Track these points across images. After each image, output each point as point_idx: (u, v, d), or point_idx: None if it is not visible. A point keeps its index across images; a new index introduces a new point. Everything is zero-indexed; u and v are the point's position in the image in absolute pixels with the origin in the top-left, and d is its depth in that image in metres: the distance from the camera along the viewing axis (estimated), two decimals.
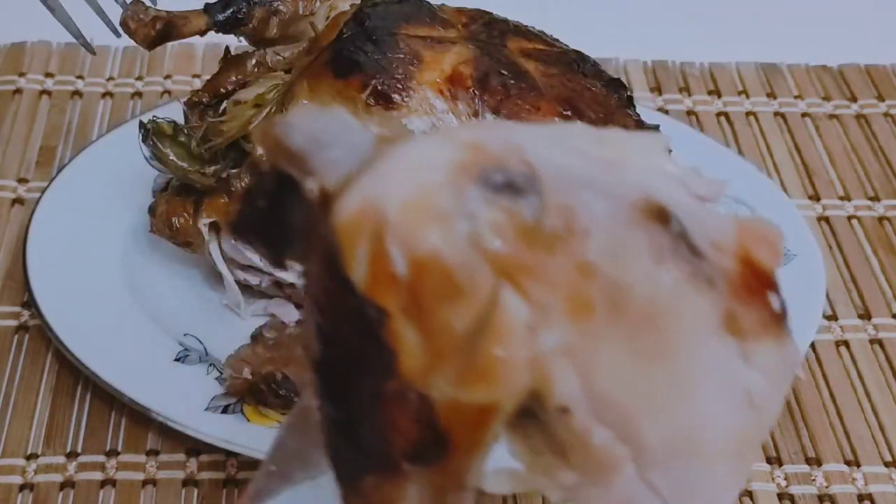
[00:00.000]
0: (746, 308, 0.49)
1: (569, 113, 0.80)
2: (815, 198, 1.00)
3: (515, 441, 0.49)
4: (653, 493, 0.48)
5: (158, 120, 0.85)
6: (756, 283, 0.50)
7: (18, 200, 0.95)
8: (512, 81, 0.80)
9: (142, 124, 0.85)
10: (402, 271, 0.45)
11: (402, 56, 0.80)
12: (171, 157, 0.84)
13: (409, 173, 0.47)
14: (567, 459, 0.48)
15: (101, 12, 0.88)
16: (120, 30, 0.86)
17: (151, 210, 0.86)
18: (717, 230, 0.49)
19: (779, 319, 0.50)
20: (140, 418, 0.79)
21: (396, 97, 0.79)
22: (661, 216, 0.47)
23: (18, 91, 1.06)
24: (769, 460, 0.81)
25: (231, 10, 0.85)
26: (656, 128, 0.84)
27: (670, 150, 0.52)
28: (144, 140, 0.84)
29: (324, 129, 0.49)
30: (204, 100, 0.86)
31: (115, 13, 0.87)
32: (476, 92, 0.80)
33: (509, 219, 0.46)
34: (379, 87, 0.78)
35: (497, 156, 0.47)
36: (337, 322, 0.47)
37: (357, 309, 0.45)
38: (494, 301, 0.45)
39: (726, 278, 0.48)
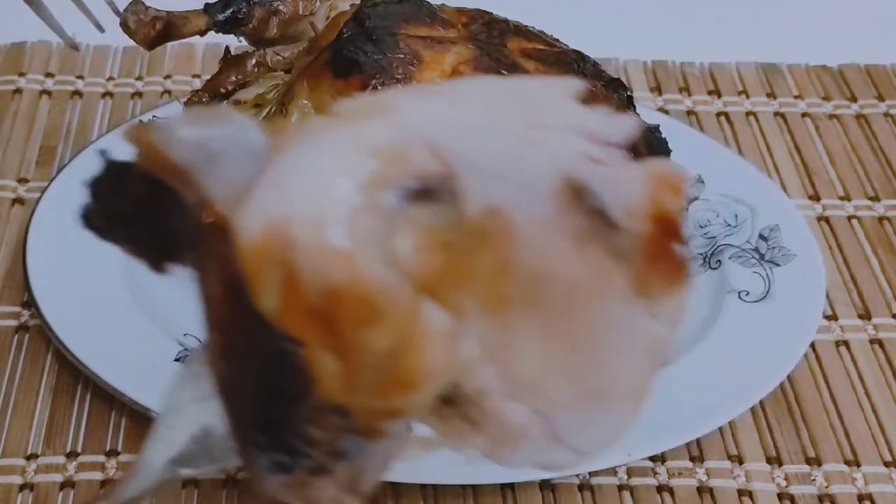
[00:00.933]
0: (656, 270, 0.49)
1: None
2: (815, 198, 1.00)
3: (427, 413, 0.49)
4: (562, 446, 0.49)
5: (156, 119, 0.85)
6: (665, 238, 0.49)
7: (18, 200, 0.95)
8: None
9: (142, 124, 0.85)
10: (317, 300, 0.43)
11: (402, 56, 0.80)
12: None
13: (314, 186, 0.44)
14: (479, 428, 0.48)
15: (87, 12, 0.87)
16: (102, 27, 0.85)
17: None
18: (630, 191, 0.48)
19: (682, 269, 0.50)
20: (140, 418, 0.79)
21: None
22: (578, 195, 0.47)
23: (18, 91, 1.06)
24: (769, 460, 0.81)
25: (231, 10, 0.85)
26: (656, 128, 0.84)
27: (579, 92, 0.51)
28: None
29: (212, 135, 0.45)
30: (204, 100, 0.86)
31: (110, 13, 0.87)
32: None
33: (427, 232, 0.44)
34: (379, 87, 0.78)
35: (412, 161, 0.45)
36: (245, 348, 0.44)
37: (269, 339, 0.43)
38: (414, 317, 0.44)
39: (639, 245, 0.48)
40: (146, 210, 0.47)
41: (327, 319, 0.43)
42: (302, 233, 0.43)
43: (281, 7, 0.85)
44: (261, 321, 0.43)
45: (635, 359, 0.50)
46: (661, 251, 0.49)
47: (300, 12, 0.85)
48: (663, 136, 0.84)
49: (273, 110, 0.82)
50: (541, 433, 0.49)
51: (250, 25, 0.85)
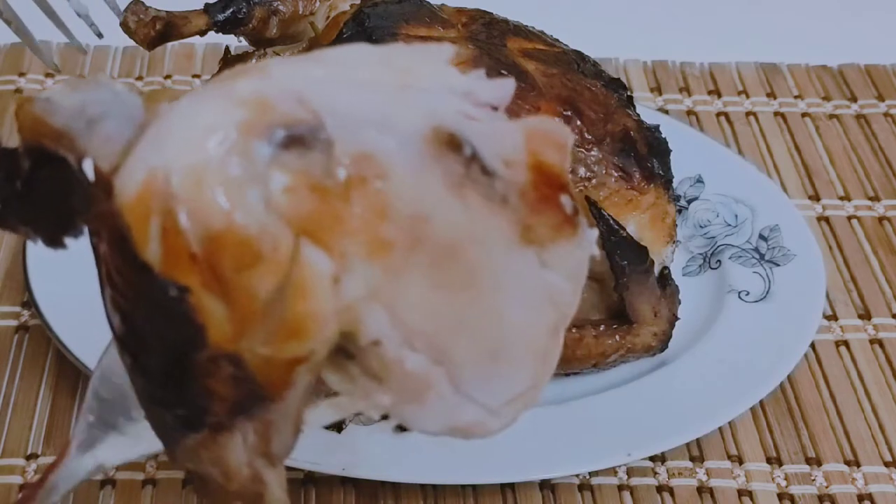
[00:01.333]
0: (540, 217, 0.50)
1: (569, 113, 0.81)
2: (815, 198, 1.00)
3: (330, 372, 0.49)
4: (469, 401, 0.50)
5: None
6: (548, 189, 0.50)
7: None
8: None
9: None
10: (198, 246, 0.44)
11: None
12: None
13: (189, 138, 0.45)
14: (383, 383, 0.49)
15: (86, 18, 0.87)
16: (101, 33, 0.85)
17: None
18: (507, 144, 0.49)
19: (571, 219, 0.50)
20: None
21: None
22: (451, 144, 0.47)
23: (18, 91, 1.06)
24: (769, 460, 0.81)
25: (231, 10, 0.85)
26: (657, 128, 0.84)
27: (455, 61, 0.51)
28: None
29: (90, 101, 0.46)
30: None
31: (108, 14, 0.87)
32: None
33: (300, 176, 0.45)
34: None
35: (280, 110, 0.45)
36: (136, 300, 0.45)
37: (156, 288, 0.44)
38: (295, 259, 0.45)
39: (520, 192, 0.49)
40: (35, 187, 0.47)
41: (210, 264, 0.44)
42: (177, 180, 0.44)
43: (281, 7, 0.85)
44: (146, 271, 0.44)
45: (532, 311, 0.51)
46: (545, 200, 0.49)
47: (300, 12, 0.85)
48: (663, 135, 0.84)
49: None
50: (445, 385, 0.49)
51: (250, 25, 0.85)
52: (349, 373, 0.49)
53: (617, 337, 0.82)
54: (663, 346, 0.83)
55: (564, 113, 0.80)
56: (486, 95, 0.49)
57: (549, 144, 0.49)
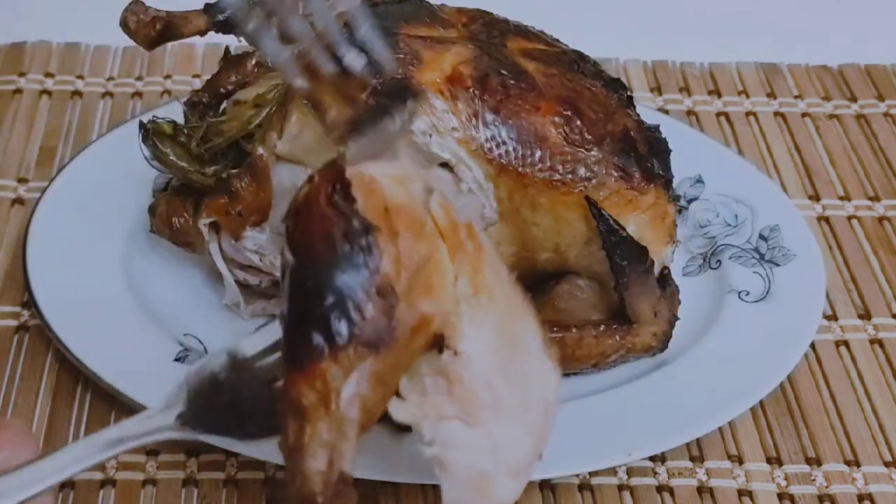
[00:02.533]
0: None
1: (569, 113, 0.81)
2: (815, 198, 1.00)
3: (413, 376, 0.63)
4: (495, 454, 0.63)
5: (158, 120, 0.85)
6: None
7: (18, 200, 0.95)
8: (512, 81, 0.81)
9: (142, 124, 0.85)
10: (388, 207, 0.63)
11: (402, 56, 0.80)
12: (171, 157, 0.84)
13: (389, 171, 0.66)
14: (450, 392, 0.63)
15: None
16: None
17: (151, 210, 0.87)
18: None
19: None
20: None
21: None
22: None
23: (18, 91, 1.06)
24: (769, 460, 0.81)
25: (231, 10, 0.85)
26: (657, 128, 0.84)
27: None
28: (144, 140, 0.84)
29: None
30: (204, 100, 0.86)
31: (115, 13, 0.86)
32: (476, 92, 0.80)
33: (449, 211, 0.66)
34: (378, 87, 0.78)
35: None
36: (330, 232, 0.61)
37: (355, 221, 0.61)
38: (437, 245, 0.64)
39: None
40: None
41: (392, 220, 0.63)
42: (384, 180, 0.65)
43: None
44: (352, 210, 0.62)
45: (542, 391, 0.67)
46: None
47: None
48: (663, 135, 0.84)
49: (273, 110, 0.82)
50: (491, 420, 0.63)
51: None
52: (419, 372, 0.63)
53: (617, 337, 0.82)
54: (663, 346, 0.84)
55: (564, 113, 0.80)
56: None
57: None
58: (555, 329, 0.81)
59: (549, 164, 0.80)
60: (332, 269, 0.60)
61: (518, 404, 0.65)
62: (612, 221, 0.79)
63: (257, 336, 0.66)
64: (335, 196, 0.62)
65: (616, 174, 0.81)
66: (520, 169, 0.79)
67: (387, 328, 0.61)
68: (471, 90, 0.80)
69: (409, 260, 0.62)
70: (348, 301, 0.60)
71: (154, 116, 0.85)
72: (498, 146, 0.79)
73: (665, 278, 0.83)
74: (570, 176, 0.80)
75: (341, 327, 0.59)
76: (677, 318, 0.83)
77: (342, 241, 0.61)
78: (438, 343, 0.63)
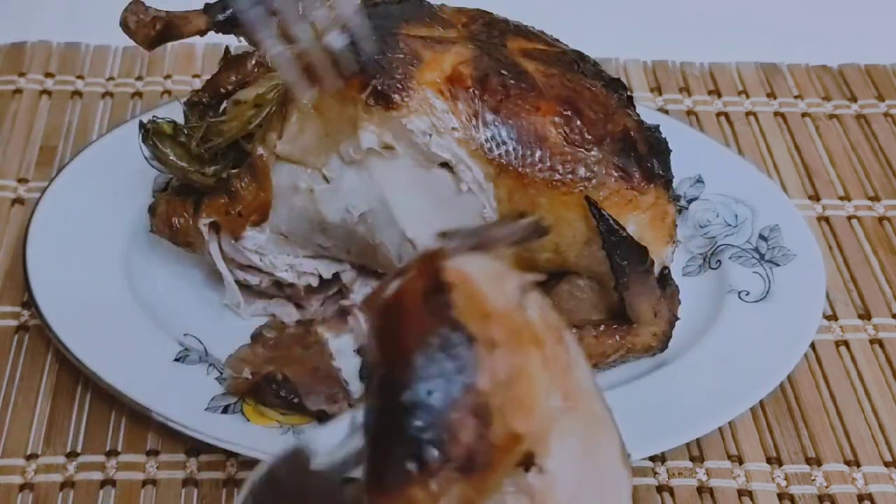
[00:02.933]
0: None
1: (568, 113, 0.81)
2: (815, 198, 1.00)
3: (495, 492, 0.59)
4: None
5: (158, 120, 0.85)
6: None
7: (18, 200, 0.95)
8: (512, 81, 0.80)
9: (142, 124, 0.85)
10: (488, 313, 0.57)
11: (402, 56, 0.80)
12: (171, 157, 0.84)
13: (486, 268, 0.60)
14: None
15: None
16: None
17: (151, 210, 0.87)
18: None
19: None
20: (140, 418, 0.79)
21: (396, 97, 0.79)
22: None
23: (18, 91, 1.06)
24: (769, 460, 0.81)
25: (231, 10, 0.85)
26: (657, 128, 0.84)
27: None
28: (144, 140, 0.84)
29: None
30: (204, 100, 0.86)
31: (115, 13, 0.87)
32: (476, 92, 0.80)
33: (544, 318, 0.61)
34: (379, 88, 0.78)
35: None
36: (426, 332, 0.56)
37: (454, 334, 0.56)
38: (528, 358, 0.58)
39: None
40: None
41: (489, 329, 0.57)
42: (482, 278, 0.59)
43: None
44: (451, 317, 0.57)
45: (617, 499, 0.63)
46: None
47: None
48: (663, 135, 0.84)
49: (273, 110, 0.82)
50: None
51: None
52: (502, 489, 0.59)
53: (617, 337, 0.82)
54: (663, 346, 0.83)
55: (564, 113, 0.80)
56: None
57: None
58: None
59: (549, 164, 0.80)
60: (427, 384, 0.55)
61: None
62: (611, 221, 0.79)
63: (329, 433, 0.60)
64: (432, 298, 0.57)
65: (616, 174, 0.81)
66: (520, 169, 0.79)
67: (480, 452, 0.56)
68: (471, 90, 0.80)
69: (503, 373, 0.57)
70: (443, 421, 0.55)
71: (154, 116, 0.85)
72: (498, 146, 0.79)
73: (665, 278, 0.83)
74: (570, 176, 0.80)
75: (434, 451, 0.55)
76: (677, 319, 0.83)
77: (439, 351, 0.56)
78: (527, 461, 0.59)
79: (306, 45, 0.74)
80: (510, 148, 0.80)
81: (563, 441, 0.60)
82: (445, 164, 0.80)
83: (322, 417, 0.78)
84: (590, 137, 0.81)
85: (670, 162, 0.84)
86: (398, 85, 0.79)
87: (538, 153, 0.80)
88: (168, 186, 0.88)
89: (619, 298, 0.81)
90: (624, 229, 0.80)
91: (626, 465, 0.64)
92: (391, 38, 0.80)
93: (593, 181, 0.80)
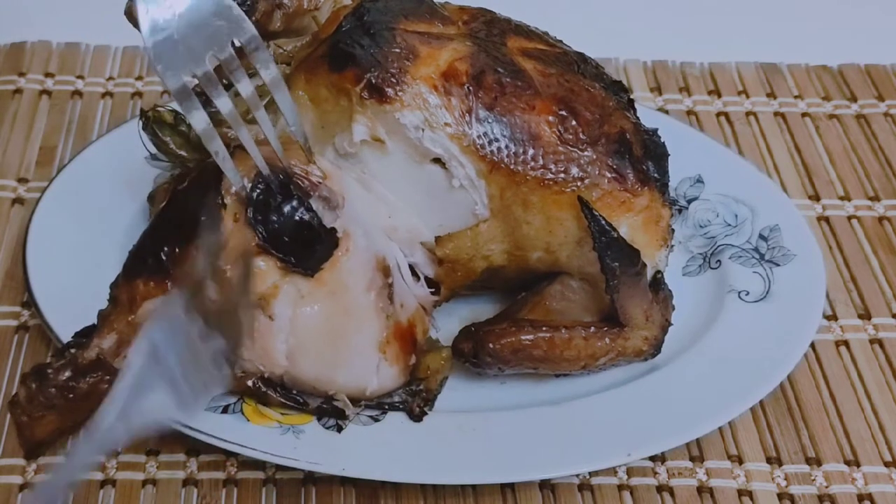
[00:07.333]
0: (396, 346, 0.79)
1: (564, 112, 0.80)
2: (815, 198, 1.00)
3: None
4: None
5: (159, 108, 0.85)
6: (408, 341, 0.81)
7: (18, 200, 0.95)
8: (508, 79, 0.80)
9: (142, 112, 0.85)
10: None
11: (398, 51, 0.80)
12: (170, 146, 0.84)
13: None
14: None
15: None
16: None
17: (150, 199, 0.87)
18: (411, 301, 0.81)
19: (407, 361, 0.81)
20: None
21: (390, 91, 0.78)
22: (385, 270, 0.79)
23: (18, 91, 1.06)
24: (769, 460, 0.81)
25: (236, 2, 0.84)
26: (655, 131, 0.84)
27: None
28: (145, 128, 0.85)
29: None
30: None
31: (115, 13, 0.86)
32: (471, 88, 0.80)
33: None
34: (373, 81, 0.78)
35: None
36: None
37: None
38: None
39: (395, 324, 0.79)
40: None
41: None
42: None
43: (285, 1, 0.85)
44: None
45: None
46: (405, 342, 0.80)
47: (304, 6, 0.85)
48: (661, 139, 0.84)
49: (270, 102, 0.82)
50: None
51: (254, 18, 0.85)
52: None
53: (607, 340, 0.81)
54: (655, 351, 0.83)
55: (560, 112, 0.80)
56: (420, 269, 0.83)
57: (423, 328, 0.82)
58: (544, 328, 0.80)
59: (541, 162, 0.80)
60: None
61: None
62: (603, 222, 0.79)
63: None
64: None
65: (610, 175, 0.81)
66: (512, 166, 0.79)
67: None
68: (465, 86, 0.80)
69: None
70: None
71: (156, 105, 0.85)
72: (490, 143, 0.79)
73: (658, 282, 0.83)
74: (562, 175, 0.80)
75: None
76: (670, 324, 0.83)
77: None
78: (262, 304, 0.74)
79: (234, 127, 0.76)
80: (503, 145, 0.79)
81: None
82: (438, 160, 0.80)
83: (322, 416, 0.78)
84: (584, 138, 0.81)
85: (667, 166, 0.83)
86: (392, 79, 0.79)
87: (531, 151, 0.80)
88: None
89: (610, 300, 0.81)
90: (616, 230, 0.80)
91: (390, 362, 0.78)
92: (388, 33, 0.80)
93: (586, 181, 0.80)
